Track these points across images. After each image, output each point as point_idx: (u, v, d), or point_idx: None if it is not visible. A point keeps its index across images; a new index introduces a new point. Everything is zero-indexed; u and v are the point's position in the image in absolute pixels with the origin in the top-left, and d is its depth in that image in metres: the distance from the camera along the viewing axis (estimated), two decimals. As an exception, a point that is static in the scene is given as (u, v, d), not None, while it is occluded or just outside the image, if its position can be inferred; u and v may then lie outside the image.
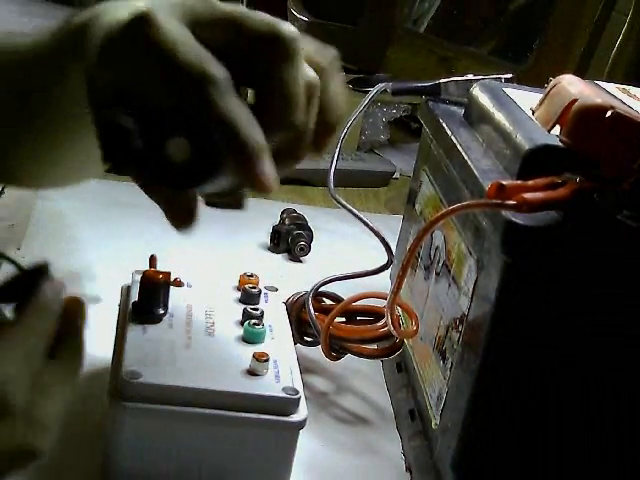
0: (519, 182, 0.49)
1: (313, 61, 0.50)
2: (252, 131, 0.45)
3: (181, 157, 0.45)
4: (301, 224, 0.95)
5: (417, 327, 0.62)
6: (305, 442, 0.58)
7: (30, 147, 0.62)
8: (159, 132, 0.45)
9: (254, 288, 0.65)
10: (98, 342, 0.65)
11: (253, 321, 0.60)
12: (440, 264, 0.62)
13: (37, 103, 0.60)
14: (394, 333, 0.60)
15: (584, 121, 0.49)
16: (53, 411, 0.42)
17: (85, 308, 0.45)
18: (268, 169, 0.45)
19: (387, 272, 0.70)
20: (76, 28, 0.56)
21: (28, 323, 0.42)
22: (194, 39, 0.46)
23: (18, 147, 0.62)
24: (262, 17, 0.48)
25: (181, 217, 0.50)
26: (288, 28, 0.48)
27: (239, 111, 0.45)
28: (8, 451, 0.40)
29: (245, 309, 0.62)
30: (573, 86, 0.54)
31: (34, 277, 0.43)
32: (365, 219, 0.70)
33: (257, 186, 0.45)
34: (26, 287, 0.43)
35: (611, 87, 0.63)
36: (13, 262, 0.47)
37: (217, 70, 0.45)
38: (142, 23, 0.46)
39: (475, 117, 0.65)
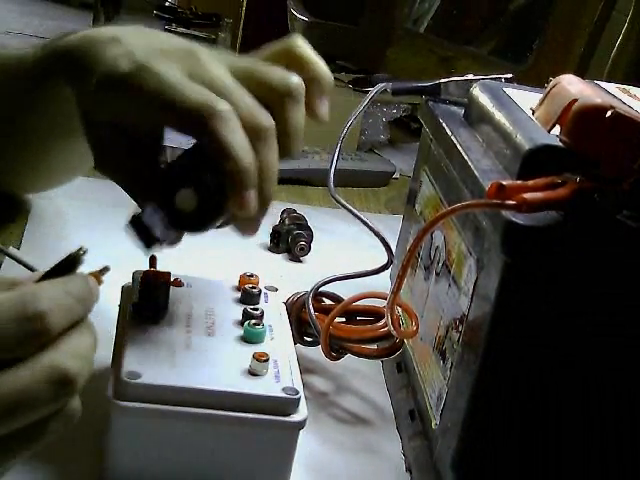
0: (519, 182, 0.49)
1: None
2: (250, 159, 0.52)
3: (190, 206, 0.52)
4: (301, 224, 0.95)
5: (417, 327, 0.62)
6: (305, 442, 0.58)
7: (19, 153, 0.63)
8: (168, 187, 0.51)
9: (254, 288, 0.65)
10: (98, 342, 0.66)
11: (253, 321, 0.60)
12: (440, 264, 0.62)
13: (22, 114, 0.61)
14: (394, 333, 0.60)
15: (584, 121, 0.49)
16: (88, 342, 0.43)
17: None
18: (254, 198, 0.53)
19: (387, 272, 0.70)
20: (66, 51, 0.58)
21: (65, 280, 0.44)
22: (187, 79, 0.53)
23: (6, 152, 0.63)
24: (274, 72, 0.56)
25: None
26: (295, 80, 0.56)
27: (241, 140, 0.51)
28: (49, 380, 0.40)
29: (245, 309, 0.62)
30: (573, 86, 0.54)
31: (72, 263, 0.45)
32: (365, 219, 0.70)
33: (241, 210, 0.53)
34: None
35: (611, 87, 0.63)
36: (16, 259, 0.48)
37: (220, 103, 0.51)
38: (141, 74, 0.50)
39: (475, 117, 0.65)
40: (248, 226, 0.57)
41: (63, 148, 0.69)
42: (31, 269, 0.61)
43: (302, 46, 0.60)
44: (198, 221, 0.53)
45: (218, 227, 0.56)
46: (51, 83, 0.61)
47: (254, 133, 0.53)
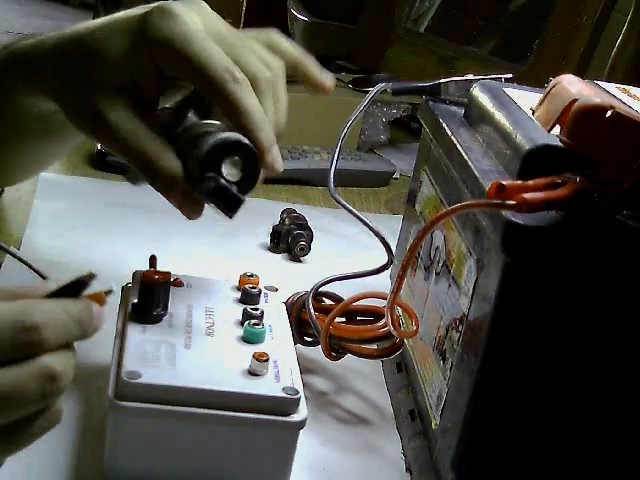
0: (519, 182, 0.49)
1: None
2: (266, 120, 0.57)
3: (236, 173, 0.55)
4: (301, 224, 0.95)
5: (417, 327, 0.62)
6: (305, 442, 0.58)
7: None
8: (218, 157, 0.54)
9: (254, 288, 0.65)
10: (98, 342, 0.66)
11: (253, 321, 0.60)
12: (440, 264, 0.62)
13: None
14: (394, 333, 0.60)
15: (584, 121, 0.49)
16: (72, 358, 0.44)
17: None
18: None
19: (387, 272, 0.70)
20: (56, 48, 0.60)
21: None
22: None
23: None
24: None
25: (193, 211, 0.60)
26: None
27: (259, 109, 0.56)
28: (38, 376, 0.41)
29: (245, 309, 0.62)
30: (573, 86, 0.54)
31: (79, 287, 0.45)
32: (365, 219, 0.70)
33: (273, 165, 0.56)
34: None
35: (611, 87, 0.63)
36: (20, 259, 0.48)
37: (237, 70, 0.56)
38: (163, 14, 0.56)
39: (475, 117, 0.65)
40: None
41: (36, 147, 0.70)
42: (32, 268, 0.61)
43: (278, 38, 0.65)
44: (246, 185, 0.56)
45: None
46: (9, 88, 0.62)
47: (257, 83, 0.58)
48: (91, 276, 0.44)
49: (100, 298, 0.45)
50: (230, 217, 0.55)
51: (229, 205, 0.55)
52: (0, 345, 0.40)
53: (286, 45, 0.65)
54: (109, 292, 0.46)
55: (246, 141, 0.55)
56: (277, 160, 0.57)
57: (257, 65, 0.59)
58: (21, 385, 0.41)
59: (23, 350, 0.41)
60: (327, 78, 0.66)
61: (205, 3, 0.61)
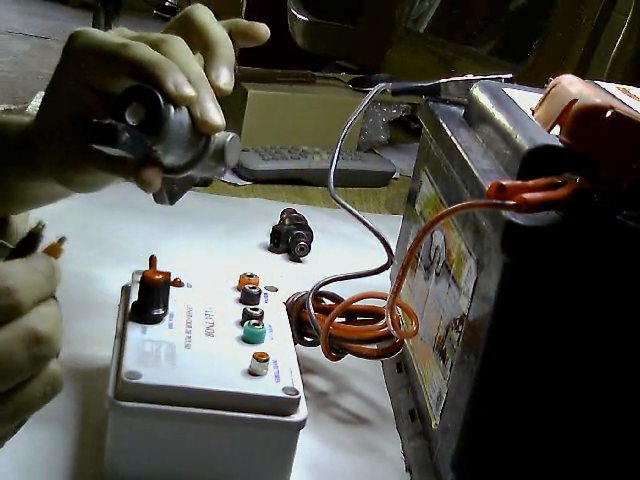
0: (519, 182, 0.49)
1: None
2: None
3: (139, 117, 0.52)
4: (301, 224, 0.95)
5: (417, 327, 0.62)
6: (305, 442, 0.58)
7: None
8: (118, 105, 0.53)
9: (254, 288, 0.65)
10: (98, 342, 0.66)
11: (253, 321, 0.60)
12: (440, 264, 0.62)
13: None
14: (394, 333, 0.60)
15: (584, 121, 0.49)
16: (56, 311, 0.43)
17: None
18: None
19: (387, 272, 0.70)
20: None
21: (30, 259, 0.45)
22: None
23: None
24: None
25: (147, 180, 0.54)
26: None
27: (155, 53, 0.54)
28: (22, 340, 0.41)
29: (245, 309, 0.62)
30: (573, 86, 0.54)
31: (34, 240, 0.46)
32: (365, 219, 0.70)
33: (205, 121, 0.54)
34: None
35: (611, 87, 0.63)
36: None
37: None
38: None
39: (475, 117, 0.65)
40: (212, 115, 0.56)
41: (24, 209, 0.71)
42: None
43: (200, 14, 0.61)
44: (150, 125, 0.53)
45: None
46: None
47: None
48: (41, 226, 0.44)
49: (56, 250, 0.45)
50: (136, 158, 0.53)
51: (131, 146, 0.52)
52: None
53: (202, 27, 0.61)
54: (62, 240, 0.46)
55: (141, 85, 0.53)
56: (185, 91, 0.53)
57: (156, 38, 0.57)
58: (6, 351, 0.40)
59: (1, 317, 0.40)
60: (258, 25, 0.64)
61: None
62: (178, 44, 0.57)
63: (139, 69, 0.54)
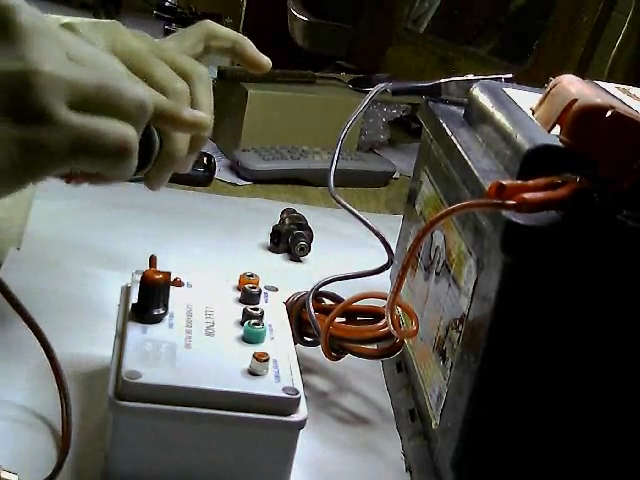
0: (519, 182, 0.49)
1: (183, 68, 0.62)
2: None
3: None
4: (301, 224, 0.95)
5: (417, 327, 0.62)
6: (305, 442, 0.58)
7: None
8: None
9: (254, 288, 0.65)
10: (98, 342, 0.66)
11: (253, 321, 0.60)
12: (440, 264, 0.62)
13: None
14: (394, 333, 0.60)
15: (584, 121, 0.49)
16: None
17: None
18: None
19: (387, 272, 0.70)
20: None
21: None
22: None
23: None
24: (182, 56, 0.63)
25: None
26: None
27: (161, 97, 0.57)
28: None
29: (245, 309, 0.62)
30: (573, 86, 0.54)
31: None
32: (365, 219, 0.70)
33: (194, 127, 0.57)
34: None
35: (611, 87, 0.63)
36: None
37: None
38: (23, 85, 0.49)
39: (475, 117, 0.65)
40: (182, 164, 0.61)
41: None
42: None
43: (213, 26, 0.68)
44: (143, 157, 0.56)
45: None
46: None
47: (169, 94, 0.59)
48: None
49: None
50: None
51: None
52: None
53: (221, 32, 0.67)
54: None
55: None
56: (196, 114, 0.57)
57: (168, 78, 0.59)
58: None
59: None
60: (263, 57, 0.68)
61: (119, 23, 0.62)
62: (207, 82, 0.62)
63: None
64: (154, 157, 0.58)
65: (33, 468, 0.54)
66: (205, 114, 0.58)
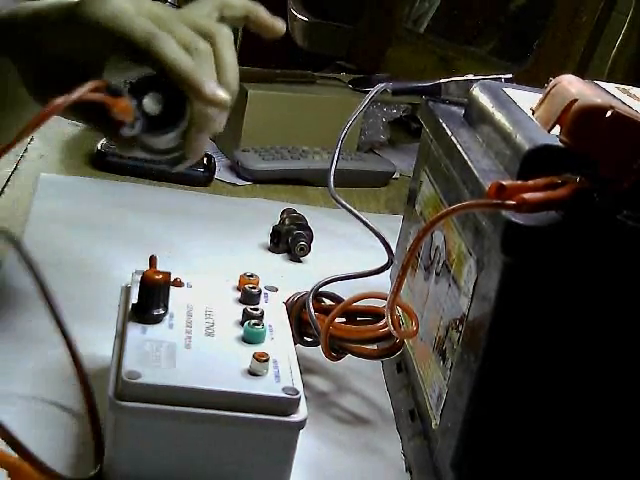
0: (519, 182, 0.49)
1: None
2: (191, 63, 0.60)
3: (156, 109, 0.59)
4: (301, 224, 0.95)
5: (417, 327, 0.62)
6: (305, 442, 0.58)
7: None
8: (138, 92, 0.59)
9: (254, 288, 0.65)
10: (98, 342, 0.66)
11: (253, 321, 0.60)
12: (440, 264, 0.62)
13: None
14: (394, 333, 0.60)
15: (584, 121, 0.49)
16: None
17: None
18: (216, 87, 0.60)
19: (387, 272, 0.70)
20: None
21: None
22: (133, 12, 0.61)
23: None
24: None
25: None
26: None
27: (180, 52, 0.59)
28: None
29: (245, 309, 0.62)
30: (573, 86, 0.54)
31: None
32: (365, 219, 0.70)
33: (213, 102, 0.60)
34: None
35: (611, 87, 0.63)
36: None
37: (160, 30, 0.60)
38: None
39: (475, 117, 0.65)
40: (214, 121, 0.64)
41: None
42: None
43: None
44: (166, 120, 0.60)
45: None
46: None
47: (192, 53, 0.61)
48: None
49: None
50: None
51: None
52: None
53: (235, 1, 0.69)
54: None
55: (169, 82, 0.59)
56: (217, 93, 0.60)
57: (190, 37, 0.61)
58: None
59: None
60: (278, 22, 0.69)
61: None
62: (230, 41, 0.63)
63: (168, 73, 0.59)
64: (188, 115, 0.60)
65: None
66: (225, 95, 0.60)
